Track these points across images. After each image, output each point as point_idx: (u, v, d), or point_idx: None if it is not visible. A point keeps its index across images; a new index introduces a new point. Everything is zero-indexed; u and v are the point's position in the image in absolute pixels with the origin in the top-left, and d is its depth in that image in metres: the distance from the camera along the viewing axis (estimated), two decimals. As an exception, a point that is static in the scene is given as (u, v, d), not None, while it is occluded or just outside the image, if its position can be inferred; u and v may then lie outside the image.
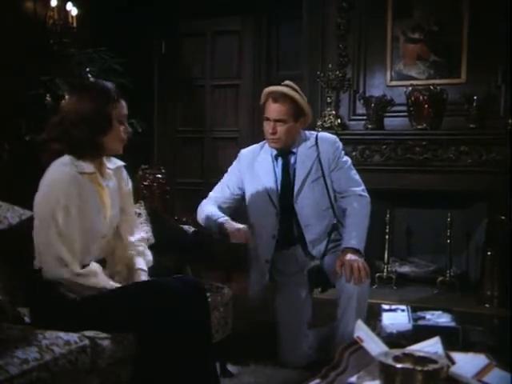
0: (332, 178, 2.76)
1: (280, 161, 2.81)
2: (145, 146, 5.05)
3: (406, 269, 4.13)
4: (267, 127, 2.72)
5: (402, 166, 3.95)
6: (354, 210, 2.69)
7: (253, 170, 2.83)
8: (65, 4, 4.28)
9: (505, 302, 3.48)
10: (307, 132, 2.85)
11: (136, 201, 2.92)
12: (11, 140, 4.07)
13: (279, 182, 2.79)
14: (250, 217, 2.85)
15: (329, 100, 4.14)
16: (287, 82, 2.81)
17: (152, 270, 2.28)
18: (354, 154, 3.99)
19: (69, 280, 1.94)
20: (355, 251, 2.56)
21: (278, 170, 2.81)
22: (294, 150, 2.79)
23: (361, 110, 4.16)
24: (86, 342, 1.82)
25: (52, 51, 4.25)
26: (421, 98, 3.84)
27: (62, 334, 1.81)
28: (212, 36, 5.31)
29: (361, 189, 2.75)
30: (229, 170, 2.93)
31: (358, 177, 2.80)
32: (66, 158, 2.03)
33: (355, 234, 2.62)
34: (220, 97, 5.36)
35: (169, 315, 1.92)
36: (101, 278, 2.01)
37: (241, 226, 2.67)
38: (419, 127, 3.90)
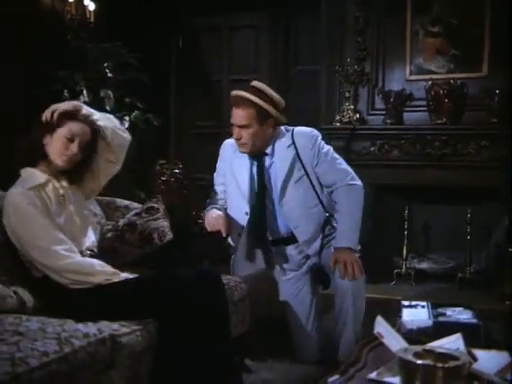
0: (317, 173, 2.64)
1: (255, 163, 2.68)
2: (162, 141, 5.06)
3: (424, 265, 4.10)
4: (233, 133, 2.62)
5: (420, 161, 3.91)
6: (344, 204, 2.59)
7: (231, 166, 2.74)
8: (82, -1, 4.29)
9: (525, 300, 3.44)
10: (283, 128, 2.69)
11: (153, 196, 2.92)
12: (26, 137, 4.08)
13: (256, 184, 2.67)
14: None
15: (347, 95, 4.10)
16: (255, 82, 2.64)
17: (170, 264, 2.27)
18: (372, 148, 3.97)
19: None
20: (348, 248, 2.53)
21: (255, 172, 2.68)
22: (269, 152, 2.66)
23: (379, 104, 4.11)
24: (105, 334, 1.81)
25: (69, 46, 4.26)
26: (441, 92, 3.79)
27: (80, 327, 1.82)
28: (229, 31, 5.29)
29: (349, 177, 2.62)
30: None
31: (344, 165, 2.67)
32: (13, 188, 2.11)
33: (347, 231, 2.56)
34: (237, 92, 5.34)
35: (182, 306, 1.93)
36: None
37: (218, 213, 2.60)
38: (438, 122, 3.85)
